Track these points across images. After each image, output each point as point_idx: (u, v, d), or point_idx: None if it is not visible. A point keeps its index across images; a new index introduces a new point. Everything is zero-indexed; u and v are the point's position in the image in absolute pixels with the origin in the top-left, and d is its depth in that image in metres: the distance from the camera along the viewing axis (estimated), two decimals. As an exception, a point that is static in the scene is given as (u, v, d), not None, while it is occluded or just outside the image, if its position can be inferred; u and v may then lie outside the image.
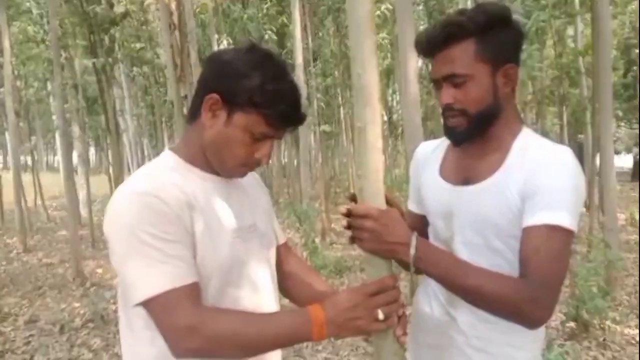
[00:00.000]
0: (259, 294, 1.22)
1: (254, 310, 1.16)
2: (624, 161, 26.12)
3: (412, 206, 1.51)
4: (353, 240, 1.13)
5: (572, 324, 4.16)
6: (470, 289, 1.12)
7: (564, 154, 1.19)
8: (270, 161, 18.50)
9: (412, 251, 1.11)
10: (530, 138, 1.27)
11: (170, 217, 1.04)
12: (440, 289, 1.33)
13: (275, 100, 1.09)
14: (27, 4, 10.94)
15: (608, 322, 4.09)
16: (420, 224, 1.44)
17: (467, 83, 1.22)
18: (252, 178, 1.35)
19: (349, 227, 1.13)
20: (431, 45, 1.26)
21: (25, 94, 12.32)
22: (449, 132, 1.29)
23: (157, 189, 1.06)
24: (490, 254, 1.25)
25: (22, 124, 12.32)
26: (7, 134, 10.19)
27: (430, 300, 1.39)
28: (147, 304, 1.01)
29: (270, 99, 1.09)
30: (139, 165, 11.69)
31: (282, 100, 1.10)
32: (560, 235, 1.12)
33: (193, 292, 1.04)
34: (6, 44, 7.98)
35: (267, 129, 1.11)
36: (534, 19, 4.30)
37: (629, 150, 28.56)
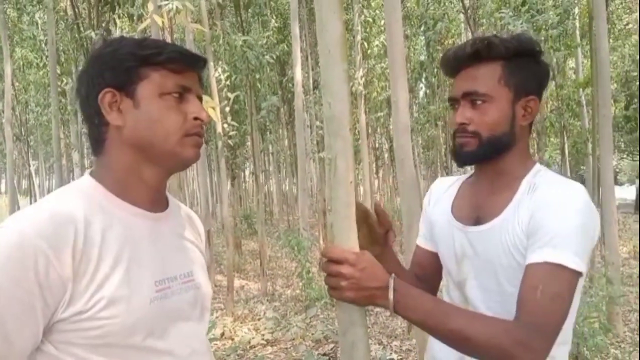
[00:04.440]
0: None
1: None
2: (627, 193, 25.98)
3: (422, 242, 1.44)
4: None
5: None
6: (452, 333, 1.04)
7: (574, 191, 1.12)
8: (272, 189, 18.34)
9: (391, 295, 1.04)
10: (542, 175, 1.21)
11: (31, 282, 0.82)
12: None
13: (160, 46, 0.97)
14: (33, 31, 11.07)
15: (610, 361, 3.95)
16: (431, 261, 1.39)
17: (486, 104, 1.18)
18: (187, 217, 1.17)
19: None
20: (458, 61, 1.22)
21: (27, 120, 12.38)
22: (456, 150, 1.23)
23: (47, 236, 0.83)
24: (504, 299, 1.16)
25: (23, 148, 12.34)
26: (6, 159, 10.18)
27: (443, 345, 1.27)
28: None
29: (155, 48, 0.96)
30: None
31: (167, 44, 0.99)
32: (563, 275, 1.04)
33: None
34: (8, 69, 8.03)
35: (176, 77, 0.97)
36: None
37: (632, 182, 28.47)
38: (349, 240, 1.05)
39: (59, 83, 7.53)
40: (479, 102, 1.18)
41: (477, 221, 1.23)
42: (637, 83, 11.75)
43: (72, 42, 6.51)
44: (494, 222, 1.19)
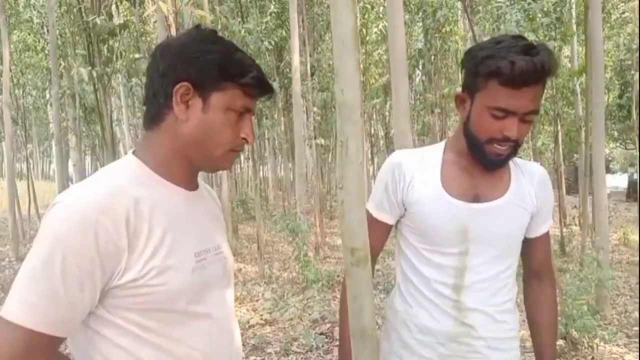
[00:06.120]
0: (227, 322, 1.14)
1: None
2: (619, 181, 26.24)
3: (384, 217, 1.46)
4: None
5: (561, 342, 4.16)
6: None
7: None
8: (267, 174, 18.31)
9: None
10: None
11: (93, 252, 0.90)
12: (444, 300, 1.38)
13: (245, 67, 1.04)
14: (29, 13, 11.02)
15: (597, 341, 4.10)
16: (388, 234, 1.50)
17: (533, 120, 1.28)
18: (209, 194, 1.26)
19: None
20: (529, 79, 1.19)
21: (24, 102, 12.36)
22: (495, 158, 1.30)
23: (104, 210, 0.92)
24: (499, 261, 1.40)
25: (19, 131, 12.33)
26: (3, 143, 10.18)
27: (431, 313, 1.40)
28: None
29: (240, 67, 1.04)
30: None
31: (252, 66, 1.05)
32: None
33: (51, 347, 0.92)
34: (6, 53, 8.03)
35: (246, 100, 1.06)
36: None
37: (624, 170, 28.72)
38: (357, 214, 1.15)
39: (58, 66, 7.54)
40: (529, 120, 1.25)
41: (476, 199, 1.36)
42: (632, 72, 11.84)
43: (74, 26, 6.50)
44: (501, 201, 1.37)
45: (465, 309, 1.36)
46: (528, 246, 1.46)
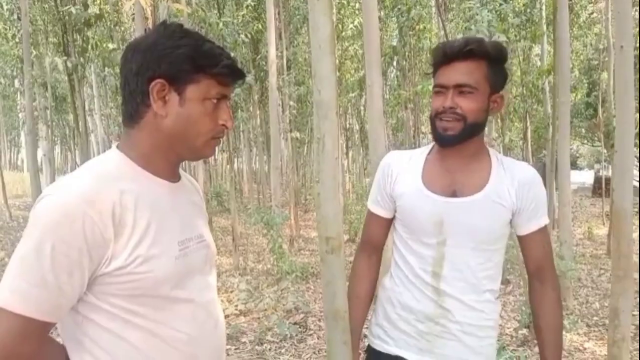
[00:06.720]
0: (211, 308, 1.20)
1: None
2: (586, 177, 27.03)
3: (379, 211, 1.60)
4: None
5: (524, 331, 4.35)
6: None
7: (534, 170, 1.50)
8: (242, 167, 18.10)
9: None
10: (499, 156, 1.53)
11: (80, 242, 0.95)
12: (424, 284, 1.50)
13: (216, 56, 1.07)
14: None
15: (558, 330, 4.28)
16: (387, 227, 1.61)
17: (473, 95, 1.40)
18: (192, 185, 1.30)
19: None
20: (452, 55, 1.40)
21: (-8, 91, 12.09)
22: (441, 132, 1.44)
23: (91, 202, 0.97)
24: (477, 253, 1.47)
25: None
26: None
27: (413, 294, 1.53)
28: None
29: (211, 57, 1.06)
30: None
31: (222, 55, 1.08)
32: (547, 229, 1.51)
33: (43, 332, 0.97)
34: (-26, 39, 7.84)
35: (221, 88, 1.09)
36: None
37: (590, 167, 29.62)
38: (332, 206, 1.24)
39: (30, 55, 7.42)
40: (467, 92, 1.40)
41: (454, 194, 1.47)
42: (599, 71, 12.18)
43: (48, 15, 6.42)
44: (477, 196, 1.45)
45: (444, 295, 1.47)
46: (521, 244, 1.54)
